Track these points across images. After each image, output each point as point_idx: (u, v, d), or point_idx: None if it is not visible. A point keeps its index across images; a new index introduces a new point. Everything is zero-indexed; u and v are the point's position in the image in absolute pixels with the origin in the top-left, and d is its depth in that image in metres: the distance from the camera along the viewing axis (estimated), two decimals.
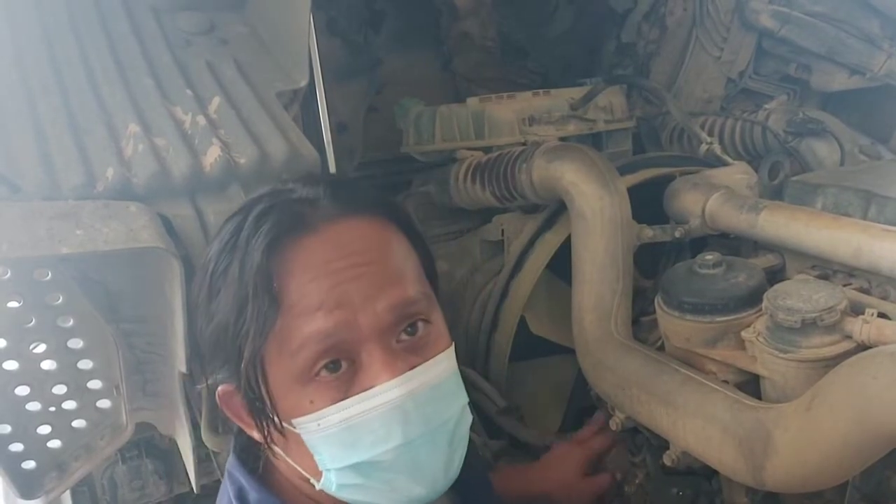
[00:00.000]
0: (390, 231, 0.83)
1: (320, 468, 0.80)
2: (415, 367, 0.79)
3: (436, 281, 0.88)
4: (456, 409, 0.83)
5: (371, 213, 0.82)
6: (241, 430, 0.87)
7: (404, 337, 0.80)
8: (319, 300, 0.75)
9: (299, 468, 0.82)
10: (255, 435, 0.83)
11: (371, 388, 0.77)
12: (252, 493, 0.84)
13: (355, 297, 0.76)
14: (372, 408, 0.76)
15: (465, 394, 0.86)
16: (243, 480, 0.85)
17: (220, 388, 0.82)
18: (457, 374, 0.85)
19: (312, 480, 0.82)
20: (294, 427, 0.78)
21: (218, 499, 0.90)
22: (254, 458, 0.88)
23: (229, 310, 0.76)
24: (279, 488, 0.86)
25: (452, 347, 0.85)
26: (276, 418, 0.78)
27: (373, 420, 0.76)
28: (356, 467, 0.78)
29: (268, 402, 0.78)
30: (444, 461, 0.82)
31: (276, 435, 0.80)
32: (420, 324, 0.82)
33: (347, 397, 0.76)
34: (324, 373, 0.76)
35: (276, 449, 0.82)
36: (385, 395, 0.76)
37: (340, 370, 0.77)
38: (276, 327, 0.75)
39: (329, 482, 0.80)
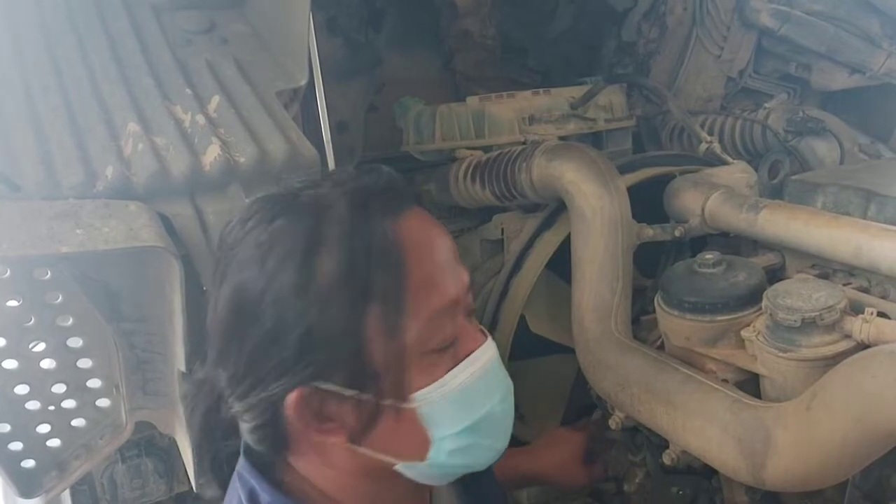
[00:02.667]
0: None
1: (434, 439, 0.82)
2: (484, 333, 0.88)
3: None
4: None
5: (418, 201, 0.88)
6: (259, 432, 0.84)
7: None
8: (436, 274, 0.80)
9: (390, 456, 0.82)
10: (331, 438, 0.80)
11: (473, 352, 0.84)
12: (264, 496, 0.83)
13: (452, 270, 0.83)
14: (478, 367, 0.83)
15: None
16: (255, 482, 0.84)
17: (295, 393, 0.77)
18: None
19: (405, 465, 0.83)
20: (413, 402, 0.79)
21: (226, 500, 0.89)
22: (265, 461, 0.88)
23: (337, 309, 0.75)
24: (293, 491, 0.85)
25: None
26: (400, 397, 0.79)
27: (480, 378, 0.83)
28: (471, 428, 0.83)
29: (398, 380, 0.78)
30: (513, 415, 0.91)
31: (373, 425, 0.79)
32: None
33: (457, 363, 0.82)
34: (444, 345, 0.81)
35: (361, 449, 0.81)
36: (485, 355, 0.85)
37: (449, 340, 0.82)
38: (404, 307, 0.77)
39: (440, 452, 0.82)
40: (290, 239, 0.77)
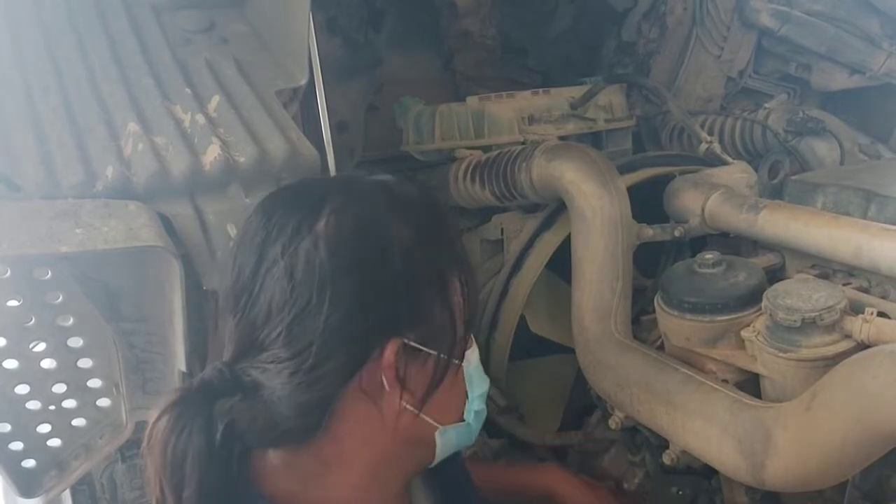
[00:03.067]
0: None
1: (472, 398, 0.89)
2: None
3: None
4: None
5: None
6: (307, 404, 0.81)
7: None
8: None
9: (438, 419, 0.85)
10: (406, 397, 0.81)
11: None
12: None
13: None
14: (475, 357, 0.90)
15: None
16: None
17: (391, 346, 0.78)
18: None
19: (443, 429, 0.86)
20: (465, 363, 0.87)
21: None
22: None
23: (430, 257, 0.81)
24: (268, 492, 0.85)
25: None
26: (460, 358, 0.86)
27: (478, 367, 0.91)
28: (482, 396, 0.91)
29: (464, 342, 0.86)
30: None
31: (439, 385, 0.83)
32: None
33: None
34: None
35: (421, 414, 0.83)
36: (475, 351, 0.91)
37: None
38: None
39: (470, 412, 0.89)
40: (374, 207, 0.81)
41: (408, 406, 0.80)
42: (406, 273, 0.79)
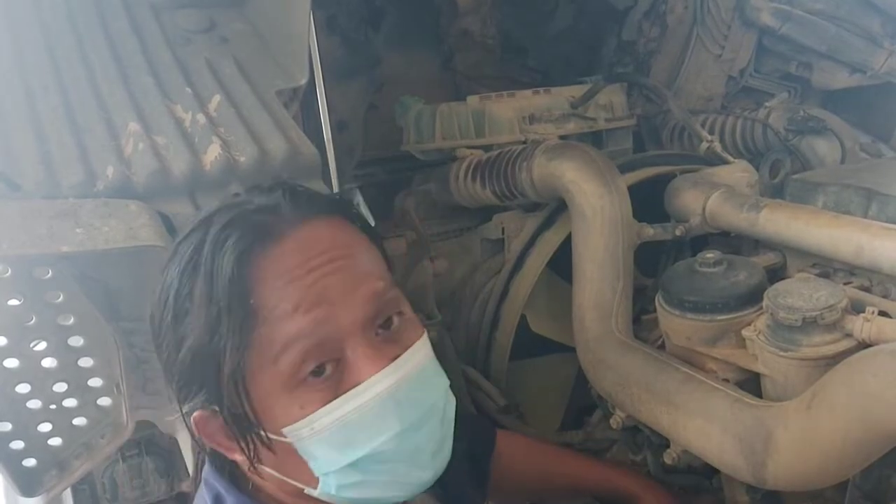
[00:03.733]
0: (351, 229, 0.84)
1: (317, 474, 0.79)
2: (397, 356, 0.80)
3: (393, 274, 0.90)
4: (442, 391, 0.86)
5: (329, 213, 0.83)
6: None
7: (381, 331, 0.81)
8: (297, 301, 0.75)
9: (291, 480, 0.81)
10: (237, 457, 0.80)
11: (360, 383, 0.77)
12: (230, 499, 0.83)
13: (332, 294, 0.77)
14: (364, 402, 0.77)
15: (445, 377, 0.87)
16: (220, 487, 0.85)
17: (195, 415, 0.78)
18: (435, 360, 0.86)
19: (308, 490, 0.81)
20: (285, 437, 0.77)
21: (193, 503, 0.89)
22: (230, 464, 0.88)
23: (202, 330, 0.75)
24: (257, 493, 0.85)
25: (426, 334, 0.86)
26: (263, 432, 0.77)
27: (366, 414, 0.77)
28: (356, 464, 0.78)
29: (252, 417, 0.76)
30: (438, 441, 0.83)
31: (263, 451, 0.78)
32: (395, 317, 0.83)
33: (337, 396, 0.77)
34: (310, 377, 0.76)
35: (264, 468, 0.81)
36: (375, 387, 0.77)
37: (326, 372, 0.77)
38: (254, 338, 0.74)
39: (328, 485, 0.79)
40: (176, 263, 0.79)
41: (247, 462, 0.80)
42: (185, 345, 0.76)
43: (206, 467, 0.88)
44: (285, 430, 0.77)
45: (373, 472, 0.79)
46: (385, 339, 0.81)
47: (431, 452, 0.82)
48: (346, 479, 0.79)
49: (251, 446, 0.78)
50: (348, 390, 0.77)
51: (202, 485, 0.87)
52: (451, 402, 0.87)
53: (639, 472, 1.39)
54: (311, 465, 0.78)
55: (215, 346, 0.74)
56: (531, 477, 1.31)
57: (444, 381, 0.86)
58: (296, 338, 0.75)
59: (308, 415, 0.76)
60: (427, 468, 0.83)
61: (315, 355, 0.76)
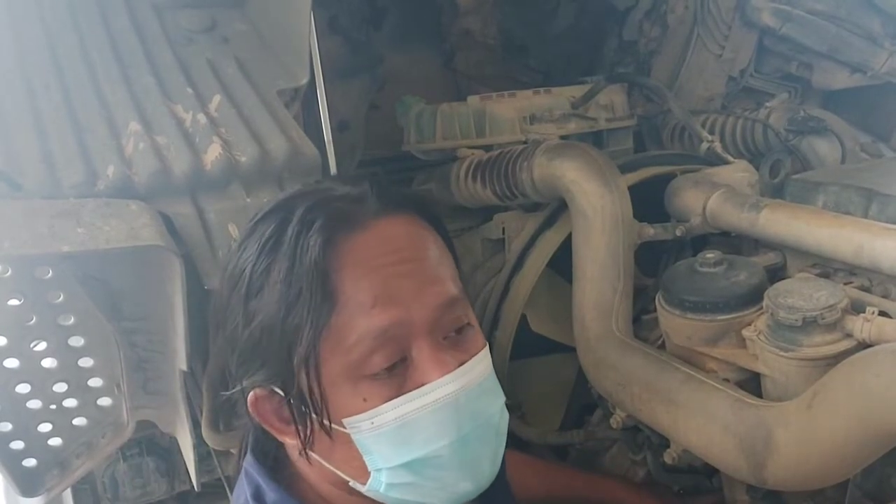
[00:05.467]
0: (430, 230, 0.84)
1: (370, 468, 0.79)
2: (463, 363, 0.80)
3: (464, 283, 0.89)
4: (499, 405, 0.85)
5: (412, 211, 0.83)
6: (259, 429, 0.85)
7: (449, 336, 0.82)
8: (375, 294, 0.75)
9: (339, 472, 0.80)
10: (288, 440, 0.80)
11: (425, 384, 0.77)
12: (270, 494, 0.83)
13: (408, 292, 0.77)
14: (427, 404, 0.76)
15: (502, 392, 0.87)
16: (261, 480, 0.84)
17: (251, 394, 0.78)
18: (493, 373, 0.86)
19: (354, 483, 0.80)
20: (344, 427, 0.77)
21: (234, 497, 0.88)
22: (272, 457, 0.87)
23: (277, 308, 0.75)
24: (298, 488, 0.85)
25: (487, 346, 0.86)
26: (326, 419, 0.77)
27: (427, 417, 0.77)
28: (409, 465, 0.78)
29: (319, 402, 0.76)
30: (490, 455, 0.83)
31: (318, 438, 0.78)
32: (465, 327, 0.83)
33: (401, 394, 0.76)
34: (378, 371, 0.76)
35: (313, 454, 0.80)
36: (439, 391, 0.77)
37: (394, 368, 0.77)
38: (330, 323, 0.74)
39: (378, 482, 0.79)
40: (255, 240, 0.78)
41: (300, 447, 0.80)
42: (258, 327, 0.76)
43: (248, 457, 0.87)
44: (346, 421, 0.77)
45: (424, 476, 0.79)
46: (451, 344, 0.81)
47: (483, 465, 0.82)
48: (396, 478, 0.78)
49: (308, 430, 0.78)
50: (412, 390, 0.77)
51: (242, 475, 0.87)
52: (506, 417, 0.87)
53: (631, 481, 1.40)
54: (366, 459, 0.78)
55: (289, 326, 0.74)
56: (525, 494, 1.31)
57: (501, 396, 0.86)
58: (371, 332, 0.75)
59: (370, 409, 0.76)
60: (475, 480, 0.82)
61: (386, 352, 0.76)
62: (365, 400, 0.76)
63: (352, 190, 0.81)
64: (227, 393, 0.81)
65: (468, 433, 0.79)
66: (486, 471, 0.83)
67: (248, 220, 0.84)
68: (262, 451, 0.87)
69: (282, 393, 0.77)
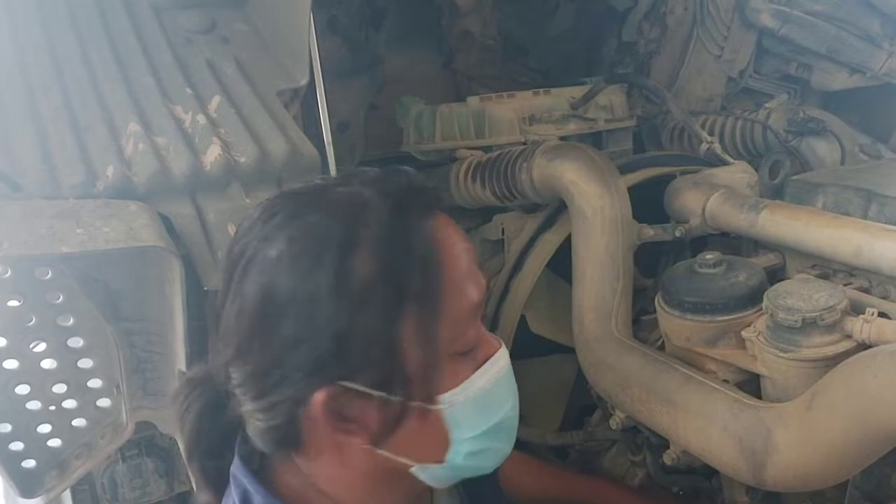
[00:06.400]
0: None
1: (455, 441, 0.81)
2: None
3: None
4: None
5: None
6: (269, 431, 0.82)
7: None
8: (465, 275, 0.80)
9: (407, 459, 0.81)
10: (351, 439, 0.79)
11: (492, 355, 0.84)
12: (257, 498, 0.83)
13: (477, 277, 0.83)
14: (496, 371, 0.83)
15: None
16: (247, 483, 0.84)
17: (323, 393, 0.75)
18: None
19: (420, 468, 0.82)
20: (439, 404, 0.79)
21: (223, 502, 0.89)
22: (258, 459, 0.87)
23: (381, 306, 0.74)
24: (284, 492, 0.85)
25: None
26: (429, 402, 0.79)
27: (497, 383, 0.84)
28: (488, 431, 0.83)
29: (430, 380, 0.78)
30: (517, 419, 0.90)
31: (397, 426, 0.78)
32: None
33: (480, 366, 0.82)
34: (471, 346, 0.81)
35: (380, 451, 0.80)
36: (501, 360, 0.85)
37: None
38: (440, 306, 0.77)
39: (457, 455, 0.82)
40: (326, 236, 0.75)
41: (367, 444, 0.78)
42: (348, 317, 0.73)
43: (235, 461, 0.87)
44: (444, 397, 0.79)
45: (494, 440, 0.85)
46: None
47: (516, 429, 0.90)
48: (477, 446, 0.83)
49: (398, 419, 0.78)
50: (485, 361, 0.83)
51: (231, 480, 0.86)
52: None
53: (630, 485, 1.40)
54: (454, 433, 0.81)
55: (388, 325, 0.75)
56: (521, 494, 1.31)
57: None
58: (468, 310, 0.80)
59: (464, 380, 0.80)
60: (512, 442, 0.89)
61: (475, 327, 0.82)
62: (456, 375, 0.80)
63: (412, 180, 0.83)
64: (286, 394, 0.76)
65: (517, 397, 0.88)
66: (515, 435, 0.90)
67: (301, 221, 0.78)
68: (248, 453, 0.87)
69: (363, 388, 0.76)
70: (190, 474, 0.90)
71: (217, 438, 0.86)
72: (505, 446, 0.88)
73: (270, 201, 0.82)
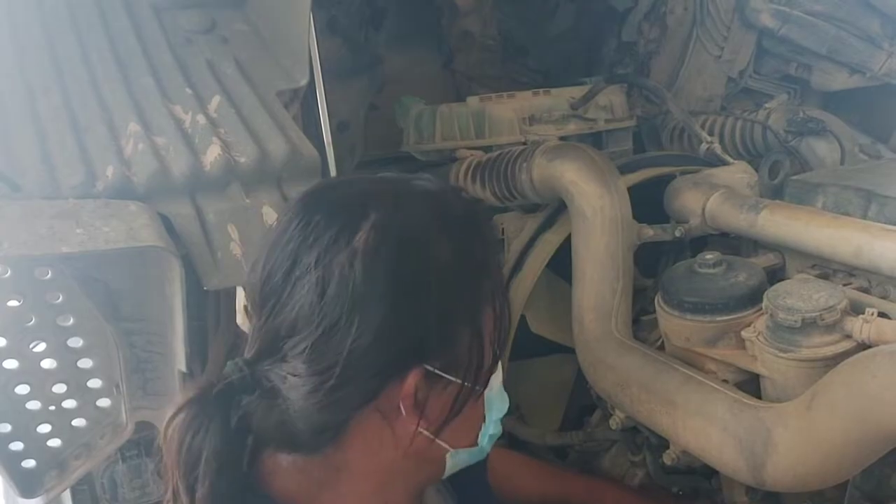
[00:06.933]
0: None
1: (489, 421, 0.85)
2: None
3: None
4: None
5: None
6: (320, 418, 0.80)
7: None
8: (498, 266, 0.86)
9: (448, 444, 0.82)
10: (410, 426, 0.77)
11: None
12: (248, 495, 0.83)
13: None
14: (505, 360, 0.89)
15: None
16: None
17: (414, 372, 0.74)
18: None
19: (455, 453, 0.83)
20: (487, 389, 0.83)
21: None
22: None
23: (474, 291, 0.79)
24: (278, 494, 0.85)
25: None
26: (484, 384, 0.82)
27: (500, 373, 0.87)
28: (503, 416, 0.87)
29: (492, 368, 0.82)
30: None
31: (460, 412, 0.80)
32: None
33: (500, 354, 0.85)
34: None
35: (439, 441, 0.80)
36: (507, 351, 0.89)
37: None
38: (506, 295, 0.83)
39: (484, 436, 0.85)
40: (435, 220, 0.77)
41: (423, 431, 0.77)
42: (440, 300, 0.75)
43: None
44: (491, 381, 0.83)
45: (500, 426, 0.87)
46: None
47: None
48: (496, 428, 0.86)
49: (459, 405, 0.79)
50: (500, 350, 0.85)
51: None
52: None
53: (629, 485, 1.40)
54: (489, 415, 0.85)
55: (477, 310, 0.79)
56: (520, 494, 1.31)
57: None
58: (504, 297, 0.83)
59: (497, 365, 0.84)
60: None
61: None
62: (491, 360, 0.82)
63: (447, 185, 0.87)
64: (369, 376, 0.75)
65: None
66: None
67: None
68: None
69: (441, 372, 0.76)
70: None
71: (237, 454, 0.79)
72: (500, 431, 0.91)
73: (312, 195, 0.81)
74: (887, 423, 0.86)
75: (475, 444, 0.85)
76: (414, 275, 0.74)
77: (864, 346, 0.99)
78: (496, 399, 0.85)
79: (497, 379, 0.84)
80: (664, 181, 1.51)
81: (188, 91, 1.19)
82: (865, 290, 1.16)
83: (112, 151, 1.07)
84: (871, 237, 1.12)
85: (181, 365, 1.05)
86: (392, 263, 0.73)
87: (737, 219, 1.32)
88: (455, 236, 0.77)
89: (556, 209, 1.55)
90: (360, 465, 0.81)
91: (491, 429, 0.86)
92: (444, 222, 0.77)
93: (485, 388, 0.82)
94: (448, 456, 0.83)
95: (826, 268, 1.23)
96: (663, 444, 1.23)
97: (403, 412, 0.76)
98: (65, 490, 1.21)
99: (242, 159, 1.11)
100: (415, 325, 0.74)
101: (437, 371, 0.76)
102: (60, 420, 1.11)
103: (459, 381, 0.77)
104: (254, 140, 1.14)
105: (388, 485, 0.83)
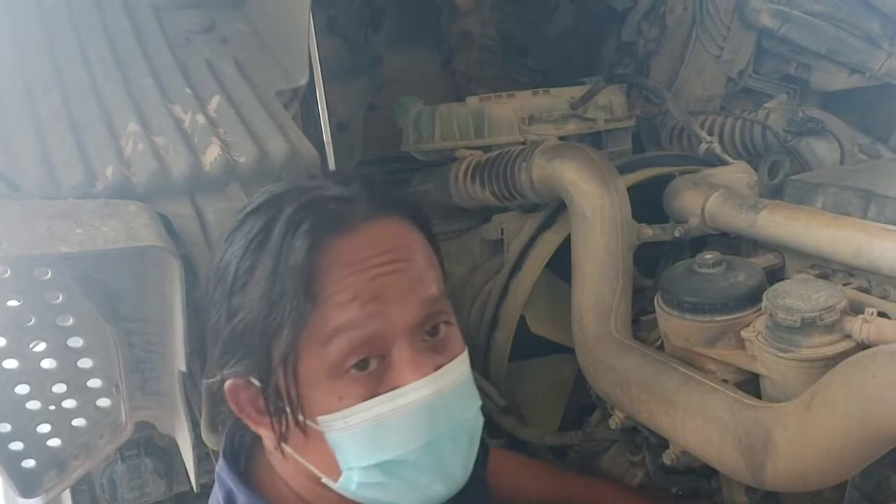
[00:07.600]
0: (416, 232, 0.85)
1: (342, 467, 0.79)
2: (441, 366, 0.81)
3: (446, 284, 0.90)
4: (475, 409, 0.86)
5: (401, 213, 0.84)
6: (232, 432, 0.88)
7: (427, 338, 0.82)
8: (354, 293, 0.76)
9: (313, 467, 0.81)
10: (263, 432, 0.81)
11: (400, 386, 0.78)
12: (241, 497, 0.84)
13: (389, 292, 0.78)
14: (401, 406, 0.77)
15: (479, 396, 0.87)
16: (231, 483, 0.85)
17: (229, 382, 0.79)
18: (472, 377, 0.86)
19: (327, 480, 0.81)
20: (317, 424, 0.78)
21: (208, 501, 0.89)
22: (244, 460, 0.88)
23: (259, 306, 0.76)
24: (269, 491, 0.86)
25: (466, 350, 0.87)
26: (301, 416, 0.78)
27: (401, 418, 0.77)
28: (381, 466, 0.78)
29: (295, 399, 0.77)
30: (463, 459, 0.84)
31: (293, 432, 0.79)
32: (442, 325, 0.84)
33: (377, 395, 0.77)
34: (353, 370, 0.77)
35: (288, 448, 0.81)
36: (414, 393, 0.77)
37: (370, 367, 0.77)
38: (310, 323, 0.75)
39: (349, 481, 0.80)
40: (243, 235, 0.79)
41: (275, 438, 0.80)
42: (242, 322, 0.77)
43: (220, 461, 0.88)
44: (320, 419, 0.77)
45: (395, 477, 0.79)
46: (430, 346, 0.82)
47: (455, 468, 0.83)
48: (368, 478, 0.79)
49: (283, 425, 0.79)
50: (388, 391, 0.77)
51: (216, 480, 0.88)
52: (480, 422, 0.87)
53: (629, 485, 1.40)
54: (338, 457, 0.79)
55: (271, 324, 0.76)
56: (520, 495, 1.31)
57: (477, 400, 0.87)
58: (347, 327, 0.76)
59: (345, 407, 0.77)
60: (447, 483, 0.83)
61: (362, 348, 0.76)
62: (340, 399, 0.77)
63: (343, 191, 0.82)
64: (208, 381, 0.82)
65: (441, 436, 0.80)
66: (459, 474, 0.83)
67: (238, 212, 0.84)
68: (234, 454, 0.88)
69: (259, 385, 0.79)
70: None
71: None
72: (423, 487, 0.81)
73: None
74: (887, 423, 0.86)
75: (336, 481, 0.80)
76: (228, 291, 0.80)
77: (863, 346, 0.99)
78: (347, 444, 0.78)
79: (343, 422, 0.77)
80: (664, 181, 1.51)
81: (188, 91, 1.19)
82: (865, 290, 1.16)
83: (111, 151, 1.07)
84: (870, 237, 1.12)
85: (181, 365, 1.05)
86: (216, 278, 0.82)
87: (736, 219, 1.32)
88: (264, 256, 0.77)
89: (555, 209, 1.55)
90: (286, 475, 0.86)
91: (356, 476, 0.79)
92: (257, 242, 0.79)
93: (306, 418, 0.78)
94: (327, 482, 0.81)
95: (826, 268, 1.23)
96: (663, 444, 1.23)
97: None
98: (64, 490, 1.21)
99: (242, 159, 1.11)
100: (214, 328, 0.82)
101: (251, 380, 0.79)
102: (60, 420, 1.11)
103: (262, 390, 0.78)
104: (253, 140, 1.14)
105: (299, 481, 0.86)
